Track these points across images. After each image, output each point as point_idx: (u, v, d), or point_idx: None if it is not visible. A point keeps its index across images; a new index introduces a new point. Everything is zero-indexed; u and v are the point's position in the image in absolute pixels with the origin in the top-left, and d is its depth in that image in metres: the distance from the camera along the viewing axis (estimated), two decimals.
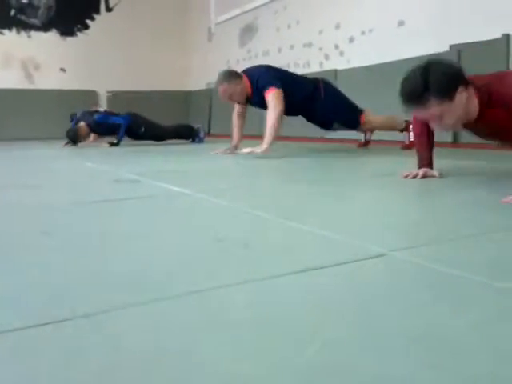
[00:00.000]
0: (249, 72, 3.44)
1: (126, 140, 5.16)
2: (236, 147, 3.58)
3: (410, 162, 2.21)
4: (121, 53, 7.83)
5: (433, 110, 1.59)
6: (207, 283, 0.79)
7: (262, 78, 3.33)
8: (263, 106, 3.35)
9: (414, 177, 1.96)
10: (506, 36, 3.65)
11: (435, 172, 1.99)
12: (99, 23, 7.87)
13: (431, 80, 1.54)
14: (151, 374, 0.52)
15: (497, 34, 3.68)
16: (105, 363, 0.54)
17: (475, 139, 1.97)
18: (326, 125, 3.68)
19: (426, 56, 4.16)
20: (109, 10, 7.98)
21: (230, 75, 3.39)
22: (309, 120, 3.71)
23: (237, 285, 0.79)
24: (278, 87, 3.26)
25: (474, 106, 1.64)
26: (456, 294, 0.74)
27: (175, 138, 5.33)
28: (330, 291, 0.76)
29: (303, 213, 1.42)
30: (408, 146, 3.41)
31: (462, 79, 1.60)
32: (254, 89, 3.34)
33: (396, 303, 0.71)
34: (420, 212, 1.49)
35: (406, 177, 1.98)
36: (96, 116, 4.97)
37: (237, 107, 3.63)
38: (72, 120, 5.27)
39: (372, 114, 3.64)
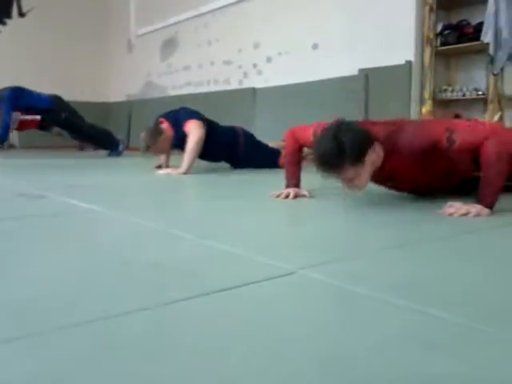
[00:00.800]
0: (170, 116, 3.39)
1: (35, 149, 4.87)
2: (161, 166, 3.53)
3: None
4: (35, 61, 7.43)
5: (347, 173, 1.67)
6: (105, 311, 0.74)
7: (182, 114, 3.34)
8: (182, 144, 3.27)
9: (287, 196, 2.00)
10: (409, 62, 3.96)
11: (305, 191, 2.06)
12: (11, 28, 7.43)
13: (345, 147, 1.61)
14: None
15: (401, 61, 3.97)
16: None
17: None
18: (244, 165, 3.68)
19: (338, 78, 4.39)
20: (21, 14, 7.57)
21: (153, 135, 3.28)
22: (232, 164, 3.70)
23: (136, 312, 0.75)
24: (199, 119, 3.27)
25: (380, 159, 1.75)
26: (361, 313, 0.76)
27: (92, 142, 5.12)
28: (234, 313, 0.75)
29: (215, 231, 1.40)
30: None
31: (370, 141, 1.70)
32: (175, 130, 3.29)
33: (303, 325, 0.71)
34: (328, 229, 1.53)
35: (278, 196, 2.02)
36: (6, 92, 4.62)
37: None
38: None
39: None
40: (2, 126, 4.53)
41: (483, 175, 1.62)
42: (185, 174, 3.08)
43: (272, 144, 3.77)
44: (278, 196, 2.02)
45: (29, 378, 0.55)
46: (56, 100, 4.82)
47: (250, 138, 3.62)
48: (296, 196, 2.01)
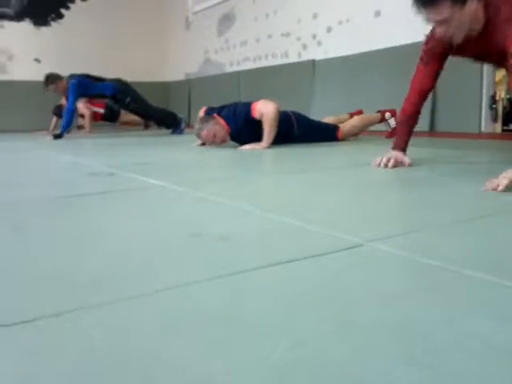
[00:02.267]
0: (222, 113, 3.37)
1: (102, 127, 5.10)
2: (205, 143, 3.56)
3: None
4: (96, 43, 7.69)
5: (444, 12, 1.60)
6: (178, 280, 0.78)
7: (238, 107, 3.33)
8: (244, 137, 3.29)
9: (386, 165, 1.99)
10: None
11: (406, 159, 2.01)
12: (74, 12, 7.70)
13: None
14: (121, 373, 0.51)
15: None
16: (73, 363, 0.53)
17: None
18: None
19: (403, 46, 4.20)
20: None
21: (205, 120, 3.34)
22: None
23: (209, 280, 0.77)
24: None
25: (480, 19, 1.65)
26: (432, 284, 0.74)
27: (157, 122, 5.35)
28: (304, 284, 0.76)
29: (281, 204, 1.42)
30: (392, 134, 3.44)
31: None
32: (233, 125, 3.29)
33: (372, 295, 0.71)
34: (395, 202, 1.50)
35: (378, 165, 2.01)
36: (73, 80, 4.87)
37: None
38: (55, 113, 5.36)
39: (346, 126, 3.61)
40: (66, 114, 4.76)
41: None
42: (267, 148, 3.17)
43: (329, 120, 3.71)
44: (378, 165, 2.00)
45: (110, 345, 0.59)
46: (119, 86, 5.04)
47: (302, 118, 3.56)
48: (395, 165, 1.99)
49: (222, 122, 3.31)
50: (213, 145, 3.33)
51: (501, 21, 1.61)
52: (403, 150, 2.05)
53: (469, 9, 1.61)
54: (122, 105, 5.14)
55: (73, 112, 4.82)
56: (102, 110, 6.08)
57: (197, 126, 3.37)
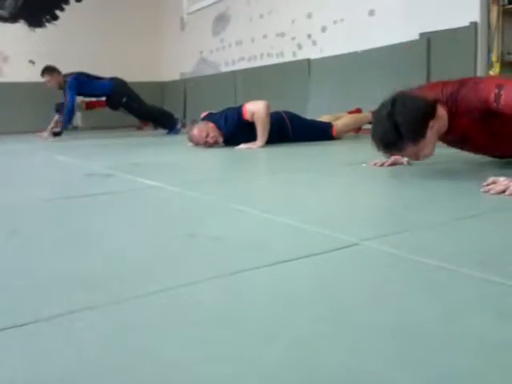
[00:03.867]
0: (212, 118, 3.40)
1: (99, 132, 5.08)
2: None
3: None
4: (91, 43, 7.67)
5: (408, 152, 1.64)
6: (175, 281, 0.78)
7: (229, 112, 3.35)
8: (238, 137, 3.29)
9: (382, 164, 2.00)
10: (474, 24, 3.72)
11: (404, 159, 2.02)
12: (68, 14, 7.68)
13: (402, 129, 1.55)
14: (116, 375, 0.51)
15: (465, 22, 3.74)
16: (67, 366, 0.53)
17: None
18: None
19: (397, 44, 4.21)
20: (78, 0, 7.79)
21: (197, 123, 3.41)
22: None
23: (205, 281, 0.78)
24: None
25: (444, 123, 1.67)
26: (428, 282, 0.75)
27: (153, 121, 5.34)
28: (300, 284, 0.76)
29: (276, 204, 1.42)
30: None
31: (430, 113, 1.61)
32: (224, 128, 3.30)
33: (368, 295, 0.71)
34: (390, 201, 1.50)
35: (375, 164, 2.02)
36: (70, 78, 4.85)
37: None
38: (56, 111, 5.27)
39: (339, 124, 3.63)
40: (66, 111, 4.75)
41: None
42: (262, 146, 3.19)
43: (325, 118, 3.72)
44: (375, 164, 2.02)
45: (105, 347, 0.59)
46: (116, 85, 5.02)
47: (295, 118, 3.56)
48: (393, 164, 2.00)
49: (213, 126, 3.33)
50: (205, 145, 3.33)
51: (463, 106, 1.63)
52: None
53: (431, 133, 1.61)
54: (118, 104, 5.10)
55: (72, 109, 4.80)
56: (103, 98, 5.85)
57: (191, 130, 3.41)
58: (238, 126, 3.26)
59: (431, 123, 1.61)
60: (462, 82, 1.69)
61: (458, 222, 1.12)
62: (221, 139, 3.35)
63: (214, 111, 3.59)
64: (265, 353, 0.54)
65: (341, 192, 1.65)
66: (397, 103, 1.60)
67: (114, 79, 5.11)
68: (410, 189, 1.61)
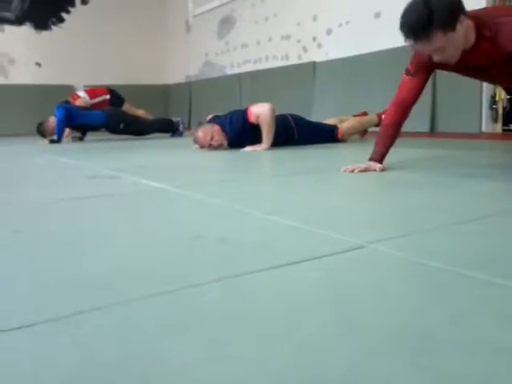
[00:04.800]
0: (218, 120, 3.41)
1: (104, 134, 5.09)
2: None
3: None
4: (97, 46, 7.71)
5: (437, 42, 1.60)
6: (181, 282, 0.78)
7: (234, 114, 3.35)
8: (243, 139, 3.31)
9: (353, 170, 1.95)
10: None
11: (378, 165, 1.97)
12: (74, 16, 7.73)
13: (435, 11, 1.53)
14: (121, 376, 0.50)
15: None
16: (75, 367, 0.53)
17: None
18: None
19: (402, 47, 4.20)
20: (84, 2, 7.84)
21: (202, 125, 3.42)
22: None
23: (211, 283, 0.77)
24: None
25: (472, 34, 1.64)
26: (434, 285, 0.74)
27: (155, 132, 5.31)
28: (306, 286, 0.76)
29: (282, 206, 1.41)
30: None
31: (462, 7, 1.61)
32: (228, 130, 3.31)
33: (375, 297, 0.70)
34: (395, 204, 1.50)
35: (345, 171, 1.97)
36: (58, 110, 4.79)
37: None
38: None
39: (344, 126, 3.64)
40: (57, 133, 4.74)
41: None
42: (267, 149, 3.20)
43: (330, 121, 3.72)
44: (346, 170, 1.99)
45: (110, 348, 0.59)
46: (110, 115, 4.96)
47: (300, 120, 3.57)
48: (366, 170, 1.96)
49: (218, 128, 3.33)
50: (210, 148, 3.33)
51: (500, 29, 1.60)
52: (379, 162, 2.00)
53: (461, 29, 1.60)
54: (117, 131, 5.05)
55: (61, 120, 4.70)
56: (108, 97, 5.75)
57: (195, 129, 3.41)
58: (243, 129, 3.26)
59: (462, 18, 1.59)
60: (491, 8, 1.65)
61: (463, 225, 1.11)
62: (225, 142, 3.36)
63: (219, 114, 3.60)
64: (273, 353, 0.54)
65: (346, 195, 1.64)
66: None
67: (104, 110, 5.05)
68: (414, 191, 1.61)
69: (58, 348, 0.57)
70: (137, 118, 5.18)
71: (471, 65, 1.75)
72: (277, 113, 3.33)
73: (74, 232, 1.17)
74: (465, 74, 1.91)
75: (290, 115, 3.55)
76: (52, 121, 4.92)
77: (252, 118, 3.23)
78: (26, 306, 0.70)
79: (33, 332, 0.61)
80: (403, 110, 1.96)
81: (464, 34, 1.62)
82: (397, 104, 1.97)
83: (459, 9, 1.61)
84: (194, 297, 0.72)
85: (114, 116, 4.98)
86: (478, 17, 1.65)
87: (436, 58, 1.69)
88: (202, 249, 0.98)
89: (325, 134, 3.55)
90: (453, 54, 1.65)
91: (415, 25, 1.58)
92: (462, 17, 1.60)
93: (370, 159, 2.02)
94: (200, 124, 3.42)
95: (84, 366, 0.53)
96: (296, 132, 3.47)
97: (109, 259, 0.93)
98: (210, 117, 3.61)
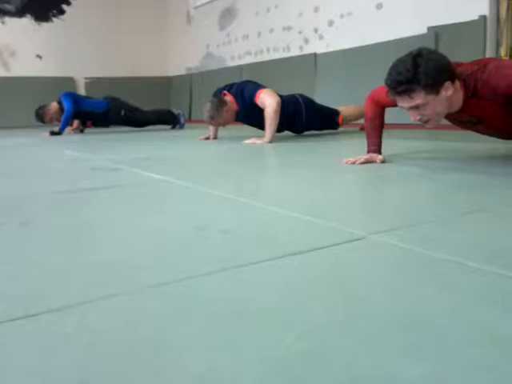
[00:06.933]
0: (232, 90, 3.43)
1: (103, 127, 5.09)
2: (216, 138, 3.67)
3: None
4: (98, 38, 7.68)
5: (417, 100, 1.60)
6: (185, 272, 0.78)
7: (246, 88, 3.36)
8: (252, 118, 3.36)
9: (354, 162, 1.97)
10: (483, 17, 3.68)
11: (378, 157, 2.00)
12: (75, 8, 7.69)
13: (421, 71, 1.54)
14: (128, 364, 0.51)
15: (474, 16, 3.71)
16: (80, 356, 0.53)
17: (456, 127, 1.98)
18: (306, 131, 3.75)
19: (405, 38, 4.18)
20: None
21: (218, 106, 3.32)
22: (293, 131, 3.76)
23: (215, 273, 0.78)
24: (266, 87, 3.33)
25: (459, 98, 1.65)
26: (437, 276, 0.75)
27: (156, 124, 5.32)
28: (310, 276, 0.76)
29: (284, 198, 1.42)
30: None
31: (450, 73, 1.61)
32: (240, 104, 3.34)
33: (378, 287, 0.71)
34: (396, 195, 1.50)
35: (347, 162, 1.99)
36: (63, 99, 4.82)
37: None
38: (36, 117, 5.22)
39: (344, 109, 3.75)
40: (64, 119, 4.75)
41: None
42: (269, 142, 3.18)
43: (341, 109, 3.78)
44: (347, 162, 2.00)
45: (117, 337, 0.59)
46: (112, 102, 5.03)
47: (309, 104, 3.62)
48: (367, 162, 1.98)
49: (231, 99, 3.36)
50: (214, 126, 3.45)
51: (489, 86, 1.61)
52: (378, 153, 2.03)
53: (444, 95, 1.59)
54: (118, 118, 5.06)
55: (71, 113, 4.75)
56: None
57: (208, 109, 3.33)
58: (250, 106, 3.31)
59: (447, 84, 1.60)
60: (483, 64, 1.66)
61: (467, 216, 1.12)
62: (233, 118, 3.40)
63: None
64: (277, 342, 0.55)
65: (348, 186, 1.64)
66: (424, 51, 1.62)
67: (106, 97, 5.10)
68: (416, 183, 1.61)
69: (64, 337, 0.58)
70: (137, 108, 5.20)
71: (462, 119, 1.77)
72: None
73: (77, 223, 1.18)
74: (459, 126, 1.92)
75: (300, 96, 3.62)
76: (54, 106, 4.91)
77: (258, 101, 3.26)
78: (31, 296, 0.71)
79: (38, 321, 0.62)
80: (380, 104, 2.01)
81: (448, 100, 1.62)
82: (371, 99, 2.04)
83: (447, 74, 1.59)
84: (198, 286, 0.73)
85: (115, 103, 5.03)
86: (460, 73, 1.65)
87: (413, 117, 1.69)
88: (206, 240, 0.99)
89: (328, 119, 3.65)
90: (431, 117, 1.64)
91: (399, 79, 1.60)
92: (448, 83, 1.59)
93: (369, 152, 2.04)
94: (214, 102, 3.37)
95: (90, 354, 0.54)
96: (304, 115, 3.53)
97: (114, 249, 0.94)
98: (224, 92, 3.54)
